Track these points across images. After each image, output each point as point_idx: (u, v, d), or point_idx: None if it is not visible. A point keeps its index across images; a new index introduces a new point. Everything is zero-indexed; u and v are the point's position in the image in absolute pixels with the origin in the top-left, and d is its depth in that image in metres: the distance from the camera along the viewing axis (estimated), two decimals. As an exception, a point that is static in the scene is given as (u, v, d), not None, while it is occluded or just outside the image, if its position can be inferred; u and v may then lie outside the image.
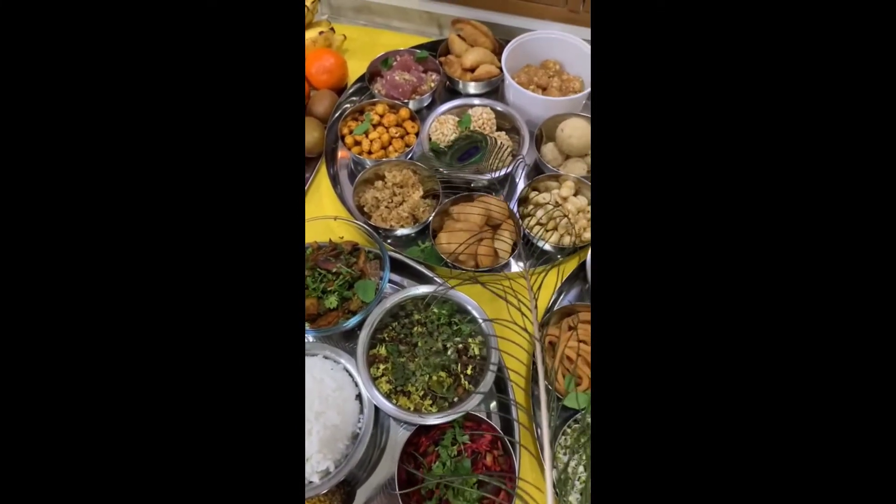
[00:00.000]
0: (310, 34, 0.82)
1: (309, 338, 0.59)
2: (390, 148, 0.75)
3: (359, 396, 0.55)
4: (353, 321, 0.58)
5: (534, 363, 0.58)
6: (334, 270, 0.61)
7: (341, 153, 0.78)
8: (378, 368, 0.58)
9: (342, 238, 0.66)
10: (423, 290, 0.61)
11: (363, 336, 0.57)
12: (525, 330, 0.54)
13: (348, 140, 0.75)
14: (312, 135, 0.75)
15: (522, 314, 0.54)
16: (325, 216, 0.66)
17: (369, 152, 0.75)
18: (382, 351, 0.59)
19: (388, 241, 0.70)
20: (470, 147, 0.73)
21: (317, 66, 0.80)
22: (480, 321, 0.59)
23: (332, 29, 0.84)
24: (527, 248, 0.66)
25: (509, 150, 0.74)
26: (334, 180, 0.75)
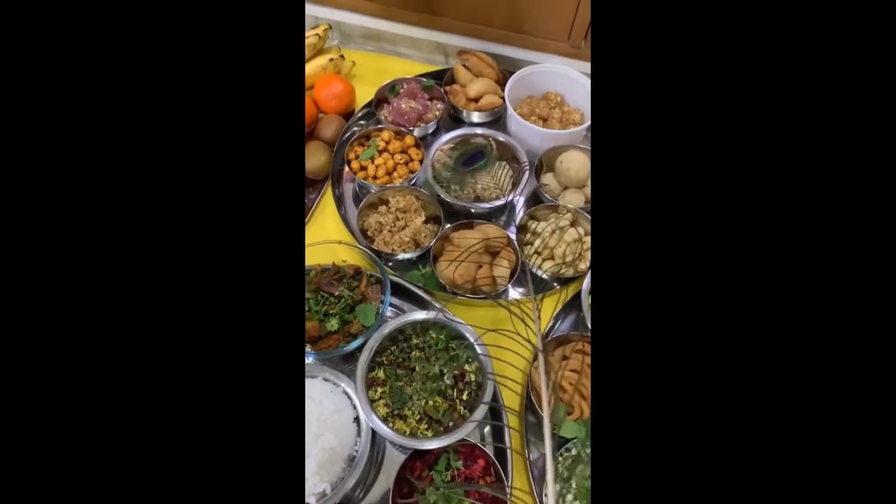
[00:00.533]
0: (320, 60, 0.85)
1: (309, 360, 0.61)
2: (395, 174, 0.78)
3: (357, 419, 0.56)
4: (353, 345, 0.60)
5: (528, 391, 0.60)
6: (336, 294, 0.63)
7: (346, 176, 0.80)
8: (376, 391, 0.60)
9: (345, 262, 0.68)
10: (422, 315, 0.63)
11: (363, 359, 0.59)
12: (529, 342, 0.54)
13: (354, 165, 0.78)
14: (319, 158, 0.78)
15: (524, 338, 0.56)
16: (329, 241, 0.68)
17: (374, 177, 0.77)
18: (381, 374, 0.61)
19: (390, 264, 0.71)
20: (475, 152, 0.75)
21: (326, 91, 0.82)
22: (477, 347, 0.61)
23: (341, 56, 0.87)
24: (524, 275, 0.68)
25: (510, 176, 0.77)
26: (339, 202, 0.77)
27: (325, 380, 0.58)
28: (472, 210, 0.75)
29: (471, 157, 0.73)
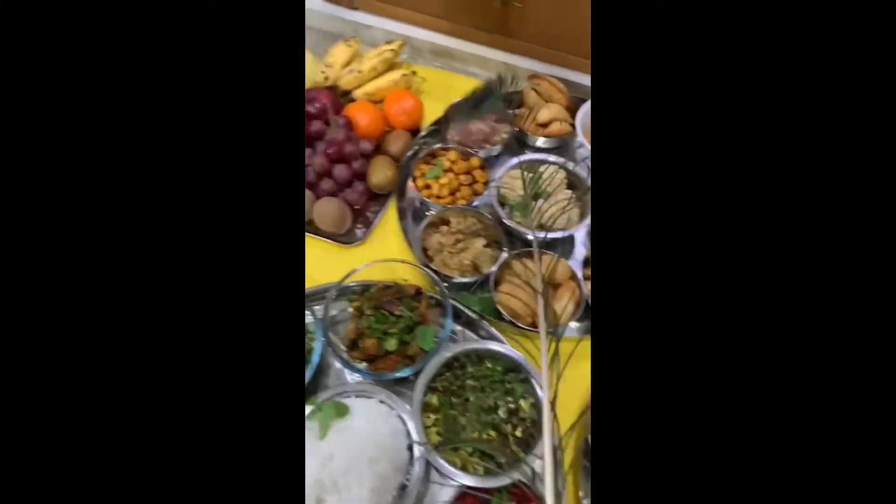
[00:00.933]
0: (392, 75, 0.85)
1: (364, 378, 0.60)
2: (458, 194, 0.77)
3: (410, 447, 0.55)
4: (412, 369, 0.59)
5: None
6: (397, 313, 0.63)
7: (410, 192, 0.80)
8: (429, 418, 0.59)
9: (406, 280, 0.68)
10: (478, 343, 0.62)
11: (420, 384, 0.58)
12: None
13: (419, 182, 0.77)
14: (385, 173, 0.78)
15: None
16: (391, 259, 0.68)
17: (438, 196, 0.77)
18: (434, 400, 0.60)
19: (445, 285, 0.71)
20: (481, 94, 0.76)
21: (396, 106, 0.83)
22: (534, 382, 0.59)
23: (413, 72, 0.87)
24: (587, 312, 0.66)
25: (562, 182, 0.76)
26: (402, 218, 0.77)
27: (381, 402, 0.57)
28: (533, 237, 0.74)
29: (481, 99, 0.73)
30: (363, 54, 0.86)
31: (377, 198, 0.80)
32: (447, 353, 0.61)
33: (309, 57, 0.85)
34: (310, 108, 0.80)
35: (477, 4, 0.88)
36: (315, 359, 0.58)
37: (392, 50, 0.85)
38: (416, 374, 0.59)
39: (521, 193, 0.75)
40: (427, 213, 0.75)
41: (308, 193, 0.76)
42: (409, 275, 0.69)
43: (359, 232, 0.77)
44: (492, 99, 0.75)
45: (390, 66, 0.87)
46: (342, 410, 0.54)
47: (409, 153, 0.82)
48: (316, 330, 0.60)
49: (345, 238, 0.76)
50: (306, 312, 0.66)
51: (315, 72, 0.85)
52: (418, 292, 0.66)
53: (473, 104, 0.77)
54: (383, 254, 0.74)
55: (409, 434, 0.56)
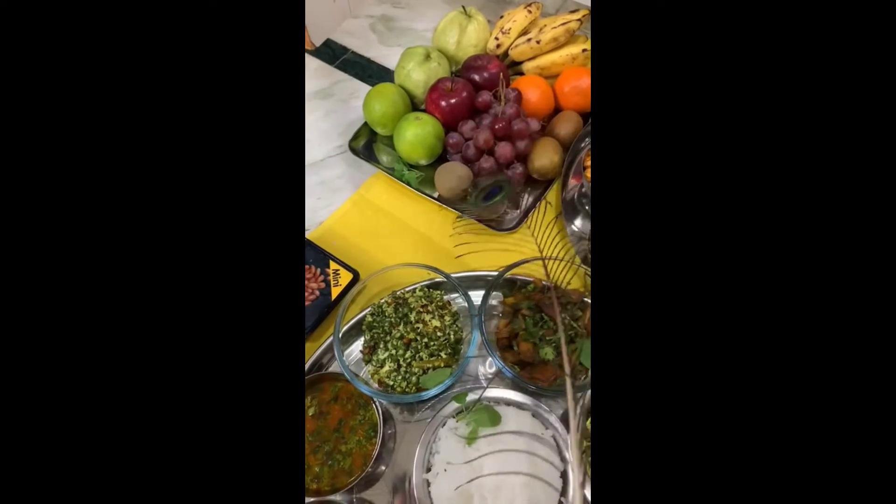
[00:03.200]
0: (572, 49, 0.76)
1: (517, 384, 0.55)
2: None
3: (564, 475, 0.49)
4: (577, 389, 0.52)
5: None
6: (557, 319, 0.56)
7: (573, 183, 0.72)
8: (584, 444, 0.52)
9: (569, 284, 0.60)
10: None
11: (579, 409, 0.51)
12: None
13: (587, 174, 0.69)
14: (551, 158, 0.70)
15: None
16: (552, 257, 0.61)
17: (608, 192, 0.67)
18: (589, 425, 0.53)
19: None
20: (493, 187, 0.70)
21: (571, 85, 0.74)
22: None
23: (595, 47, 0.77)
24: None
25: None
26: (565, 211, 0.69)
27: (534, 416, 0.51)
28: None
29: (489, 193, 0.68)
30: (542, 22, 0.78)
31: (535, 183, 0.72)
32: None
33: (481, 19, 0.79)
34: (477, 77, 0.74)
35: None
36: (471, 351, 0.53)
37: (578, 20, 0.75)
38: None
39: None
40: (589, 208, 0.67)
41: (465, 169, 0.70)
42: (567, 277, 0.62)
43: (510, 219, 0.70)
44: (502, 194, 0.70)
45: (570, 38, 0.77)
46: (495, 419, 0.49)
47: (581, 143, 0.73)
48: (474, 320, 0.55)
49: (494, 222, 0.70)
50: (453, 295, 0.61)
51: (487, 38, 0.79)
52: (584, 301, 0.58)
53: (483, 197, 0.72)
54: (537, 247, 0.68)
55: (563, 459, 0.50)
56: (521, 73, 0.79)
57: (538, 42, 0.75)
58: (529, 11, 0.77)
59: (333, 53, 0.91)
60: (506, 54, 0.79)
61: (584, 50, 0.76)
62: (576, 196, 0.71)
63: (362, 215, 0.73)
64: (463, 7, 0.79)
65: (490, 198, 0.72)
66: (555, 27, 0.75)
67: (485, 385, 0.55)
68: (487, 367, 0.59)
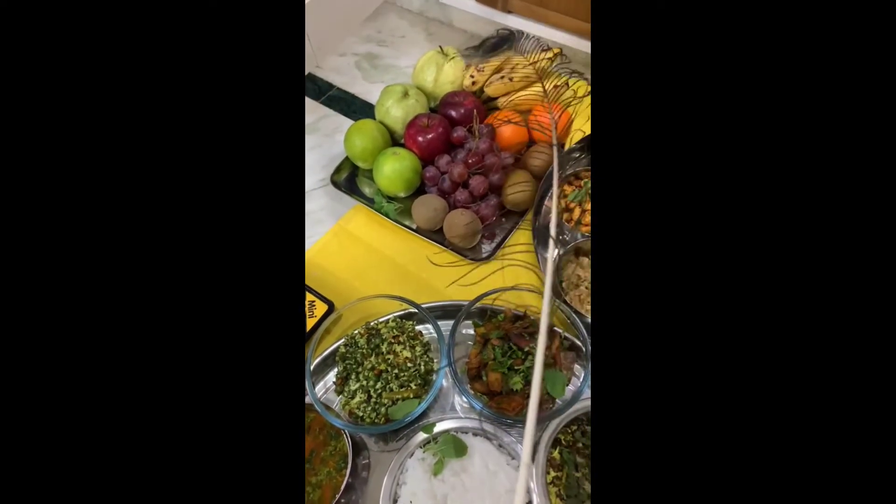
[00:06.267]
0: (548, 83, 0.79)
1: (484, 416, 0.55)
2: (602, 223, 0.69)
3: (529, 506, 0.49)
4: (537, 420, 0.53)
5: None
6: (526, 349, 0.57)
7: (546, 212, 0.74)
8: (549, 474, 0.52)
9: (537, 313, 0.62)
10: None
11: (546, 438, 0.52)
12: None
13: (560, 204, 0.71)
14: (524, 190, 0.72)
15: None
16: (524, 287, 0.62)
17: (578, 222, 0.69)
18: (556, 455, 0.54)
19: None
20: (497, 40, 0.80)
21: (542, 119, 0.77)
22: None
23: (566, 83, 0.81)
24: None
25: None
26: (537, 241, 0.71)
27: (501, 447, 0.52)
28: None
29: (494, 45, 0.77)
30: (515, 60, 0.81)
31: (509, 214, 0.75)
32: (577, 406, 0.54)
33: (458, 60, 0.82)
34: (453, 113, 0.77)
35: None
36: (438, 382, 0.54)
37: (548, 59, 0.79)
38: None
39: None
40: (562, 239, 0.69)
41: (441, 201, 0.73)
42: (538, 305, 0.63)
43: (485, 248, 0.72)
44: (507, 44, 0.81)
45: (542, 75, 0.81)
46: (461, 450, 0.50)
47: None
48: (441, 350, 0.56)
49: (470, 253, 0.72)
50: (427, 326, 0.62)
51: (463, 75, 0.82)
52: (552, 330, 0.59)
53: (488, 49, 0.83)
54: (511, 277, 0.69)
55: (528, 490, 0.50)
56: (496, 108, 0.82)
57: (511, 79, 0.79)
58: (503, 50, 0.81)
59: (319, 89, 0.95)
60: (481, 90, 0.82)
61: (555, 86, 0.79)
62: (552, 228, 0.73)
63: (341, 246, 0.75)
64: (440, 46, 0.82)
65: (496, 48, 0.73)
66: (526, 65, 0.78)
67: (458, 415, 0.55)
68: (461, 397, 0.59)
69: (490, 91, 0.81)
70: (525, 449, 0.44)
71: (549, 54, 0.79)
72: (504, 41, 0.87)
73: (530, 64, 0.78)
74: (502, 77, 0.79)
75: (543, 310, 0.54)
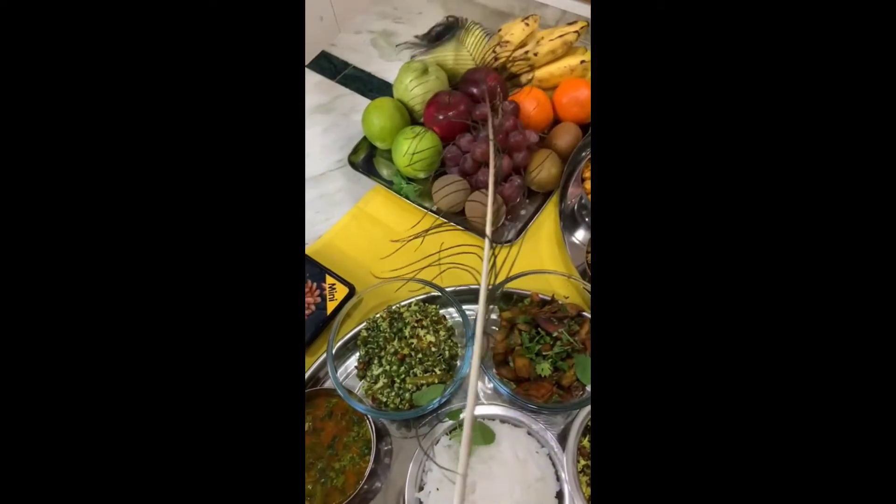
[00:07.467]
0: (570, 61, 0.76)
1: (512, 402, 0.54)
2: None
3: (559, 495, 0.48)
4: (566, 407, 0.51)
5: None
6: (555, 334, 0.55)
7: (573, 195, 0.71)
8: (580, 462, 0.51)
9: (566, 298, 0.59)
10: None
11: (576, 426, 0.50)
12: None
13: (587, 185, 0.68)
14: (549, 170, 0.70)
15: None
16: (552, 271, 0.60)
17: (607, 204, 0.67)
18: (586, 444, 0.52)
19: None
20: (441, 29, 0.74)
21: (569, 96, 0.73)
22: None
23: (593, 58, 0.77)
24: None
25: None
26: (562, 221, 0.69)
27: (530, 434, 0.50)
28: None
29: (437, 35, 0.71)
30: (540, 34, 0.78)
31: (533, 195, 0.72)
32: (608, 393, 0.52)
33: (479, 33, 0.79)
34: (475, 90, 0.74)
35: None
36: (465, 369, 0.53)
37: (575, 32, 0.75)
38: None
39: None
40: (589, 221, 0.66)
41: (462, 182, 0.70)
42: (565, 291, 0.61)
43: (508, 231, 0.70)
44: (449, 35, 0.75)
45: (568, 50, 0.77)
46: (489, 437, 0.48)
47: (582, 153, 0.72)
48: (468, 335, 0.54)
49: (493, 236, 0.69)
50: (450, 310, 0.61)
51: (485, 51, 0.79)
52: (580, 314, 0.57)
53: (432, 39, 0.77)
54: (535, 260, 0.67)
55: (558, 479, 0.48)
56: (520, 86, 0.79)
57: (535, 54, 0.75)
58: (527, 24, 0.77)
59: (335, 68, 0.92)
60: (504, 67, 0.79)
61: (582, 61, 0.76)
62: (575, 207, 0.70)
63: (361, 229, 0.73)
64: (457, 18, 0.79)
65: (438, 38, 0.70)
66: (552, 39, 0.75)
67: (482, 401, 0.54)
68: (486, 382, 0.58)
69: (514, 67, 0.78)
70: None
71: (576, 27, 0.76)
72: (448, 30, 0.81)
73: (558, 37, 0.74)
74: (526, 52, 0.76)
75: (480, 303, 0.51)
